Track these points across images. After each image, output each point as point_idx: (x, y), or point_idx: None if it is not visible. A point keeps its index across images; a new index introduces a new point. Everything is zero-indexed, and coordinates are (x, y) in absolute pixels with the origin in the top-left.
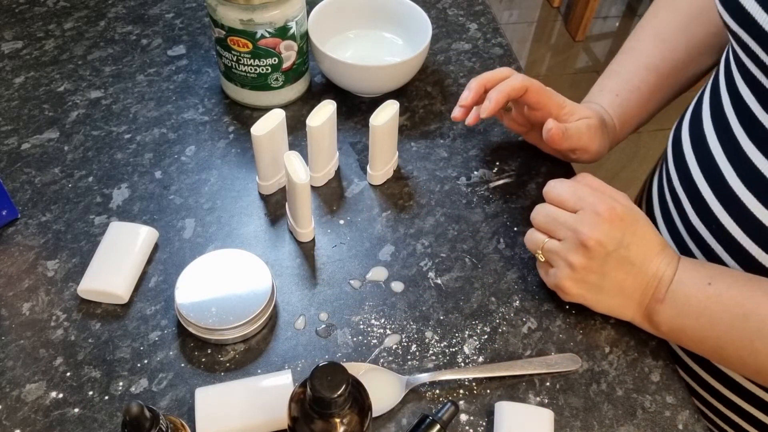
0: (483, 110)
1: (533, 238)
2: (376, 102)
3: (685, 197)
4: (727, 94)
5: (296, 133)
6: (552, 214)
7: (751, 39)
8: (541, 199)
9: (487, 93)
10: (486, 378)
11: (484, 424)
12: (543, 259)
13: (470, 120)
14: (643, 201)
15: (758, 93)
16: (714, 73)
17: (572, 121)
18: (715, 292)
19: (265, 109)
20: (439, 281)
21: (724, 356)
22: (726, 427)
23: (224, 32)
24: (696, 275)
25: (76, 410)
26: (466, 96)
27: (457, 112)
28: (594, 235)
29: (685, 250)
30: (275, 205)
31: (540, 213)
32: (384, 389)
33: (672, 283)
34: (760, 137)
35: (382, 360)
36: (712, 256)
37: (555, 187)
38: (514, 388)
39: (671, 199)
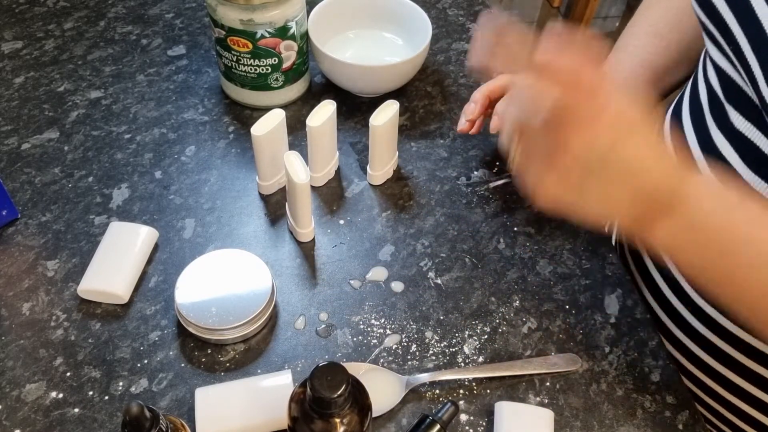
0: (493, 127)
1: (505, 136)
2: (376, 102)
3: None
4: (704, 86)
5: (296, 133)
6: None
7: (713, 26)
8: None
9: (492, 103)
10: (486, 378)
11: (484, 424)
12: (517, 164)
13: (474, 129)
14: None
15: (726, 85)
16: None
17: None
18: (741, 212)
19: (265, 109)
20: (439, 281)
21: (725, 281)
22: (726, 429)
23: (224, 32)
24: (718, 200)
25: (76, 410)
26: (472, 109)
27: (464, 126)
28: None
29: None
30: (275, 205)
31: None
32: (384, 389)
33: (689, 201)
34: (731, 131)
35: (382, 360)
36: None
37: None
38: (514, 388)
39: None
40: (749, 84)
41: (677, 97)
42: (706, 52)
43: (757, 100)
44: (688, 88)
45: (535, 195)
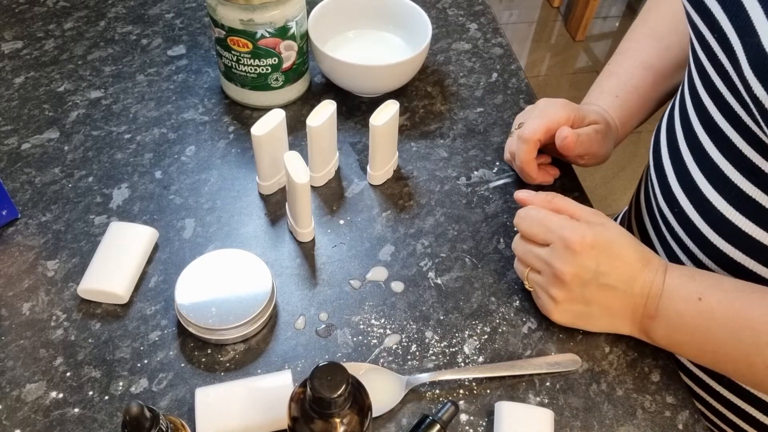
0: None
1: (518, 268)
2: (376, 102)
3: (662, 199)
4: (688, 93)
5: (296, 133)
6: (527, 247)
7: (701, 22)
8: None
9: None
10: (486, 378)
11: (484, 424)
12: (531, 289)
13: (540, 177)
14: (632, 205)
15: (708, 88)
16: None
17: (583, 126)
18: (706, 308)
19: (265, 109)
20: (439, 281)
21: (722, 369)
22: (726, 428)
23: (224, 32)
24: (685, 290)
25: (76, 410)
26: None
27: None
28: (567, 270)
29: (670, 255)
30: (275, 205)
31: (518, 245)
32: (384, 389)
33: (661, 299)
34: (714, 131)
35: (382, 360)
36: (688, 254)
37: (524, 219)
38: (514, 388)
39: (653, 199)
40: (733, 70)
41: (668, 110)
42: (689, 58)
43: (740, 86)
44: (677, 100)
45: (550, 317)
